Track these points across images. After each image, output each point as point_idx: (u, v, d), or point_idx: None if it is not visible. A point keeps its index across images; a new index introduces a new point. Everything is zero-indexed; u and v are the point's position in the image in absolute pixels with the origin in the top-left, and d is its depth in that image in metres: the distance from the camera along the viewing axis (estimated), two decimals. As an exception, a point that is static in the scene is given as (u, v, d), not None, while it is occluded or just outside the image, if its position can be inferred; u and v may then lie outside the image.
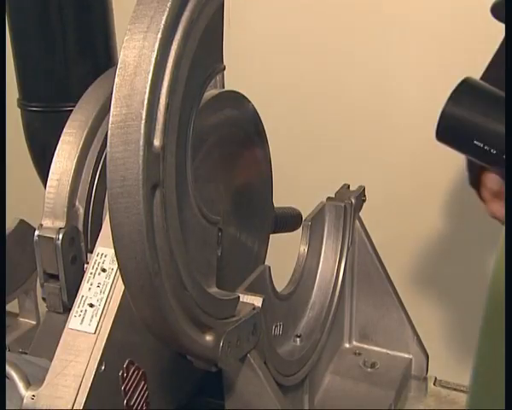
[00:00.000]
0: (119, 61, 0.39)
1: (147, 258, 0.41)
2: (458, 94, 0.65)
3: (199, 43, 0.43)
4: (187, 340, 0.47)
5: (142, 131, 0.39)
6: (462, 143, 0.66)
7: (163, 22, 0.39)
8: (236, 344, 0.52)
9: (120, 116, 0.39)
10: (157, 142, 0.40)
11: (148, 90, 0.39)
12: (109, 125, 0.39)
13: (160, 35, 0.39)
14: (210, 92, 0.65)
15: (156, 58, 0.39)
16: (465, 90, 0.66)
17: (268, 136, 0.72)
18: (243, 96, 0.69)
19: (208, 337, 0.49)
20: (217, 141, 0.65)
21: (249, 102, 0.69)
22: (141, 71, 0.39)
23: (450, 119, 0.65)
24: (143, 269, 0.41)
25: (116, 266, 0.54)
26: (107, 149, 0.40)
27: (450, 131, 0.66)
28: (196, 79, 0.44)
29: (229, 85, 0.72)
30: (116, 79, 0.39)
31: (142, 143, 0.39)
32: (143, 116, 0.39)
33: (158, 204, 0.41)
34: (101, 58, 0.75)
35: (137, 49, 0.39)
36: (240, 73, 1.16)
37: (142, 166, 0.39)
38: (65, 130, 0.62)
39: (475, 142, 0.64)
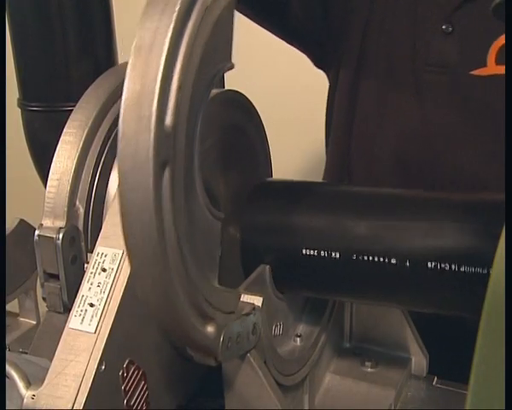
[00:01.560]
0: (135, 40, 0.40)
1: (154, 236, 0.41)
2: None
3: (210, 34, 0.43)
4: (189, 327, 0.47)
5: (155, 108, 0.39)
6: None
7: (178, 6, 0.40)
8: (236, 341, 0.52)
9: (134, 93, 0.39)
10: (169, 121, 0.40)
11: (162, 68, 0.39)
12: (122, 102, 0.40)
13: (174, 18, 0.39)
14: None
15: (171, 38, 0.39)
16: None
17: (268, 135, 0.72)
18: (243, 96, 0.70)
19: (210, 329, 0.49)
20: (216, 141, 0.65)
21: (249, 101, 0.69)
22: (156, 49, 0.39)
23: None
24: (150, 250, 0.41)
25: (116, 265, 0.54)
26: (120, 124, 0.40)
27: None
28: (205, 74, 0.45)
29: (229, 85, 0.72)
30: (131, 58, 0.40)
31: (154, 119, 0.39)
32: (156, 93, 0.39)
33: (167, 182, 0.41)
34: (101, 58, 0.75)
35: (153, 29, 0.39)
36: (240, 73, 1.16)
37: (153, 142, 0.39)
38: (65, 130, 0.62)
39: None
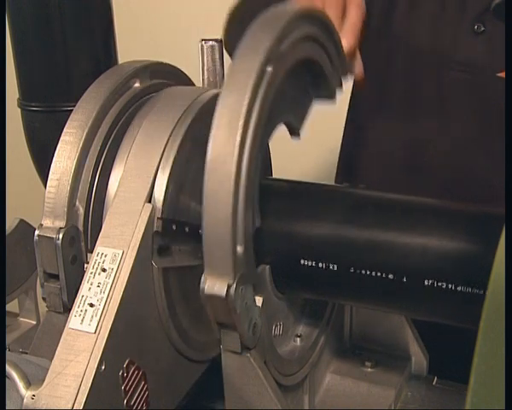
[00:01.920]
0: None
1: (242, 114, 0.49)
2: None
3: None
4: (232, 228, 0.50)
5: (278, 32, 0.52)
6: None
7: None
8: (246, 303, 0.53)
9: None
10: (283, 48, 0.53)
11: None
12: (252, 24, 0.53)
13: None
14: (210, 92, 0.65)
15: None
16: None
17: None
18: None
19: (240, 249, 0.51)
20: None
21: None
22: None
23: None
24: (233, 131, 0.50)
25: (116, 265, 0.54)
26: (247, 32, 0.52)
27: None
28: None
29: (230, 85, 0.72)
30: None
31: (275, 37, 0.51)
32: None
33: (266, 80, 0.51)
34: (101, 58, 0.75)
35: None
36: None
37: (271, 42, 0.51)
38: (65, 130, 0.62)
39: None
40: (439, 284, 0.53)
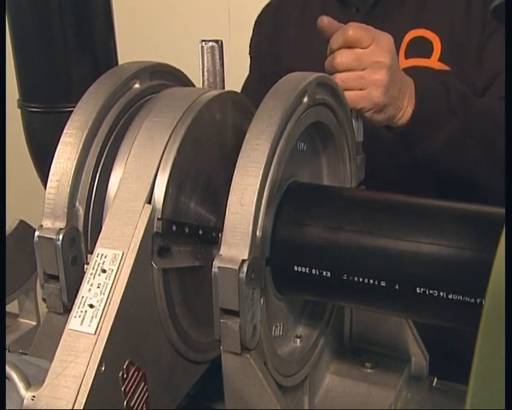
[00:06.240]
0: None
1: (277, 132, 0.58)
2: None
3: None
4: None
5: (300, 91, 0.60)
6: None
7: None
8: (252, 293, 0.54)
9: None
10: (306, 100, 0.62)
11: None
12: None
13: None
14: (210, 93, 0.65)
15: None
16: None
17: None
18: (243, 97, 0.70)
19: (259, 234, 0.54)
20: (216, 141, 0.65)
21: (249, 102, 0.69)
22: None
23: None
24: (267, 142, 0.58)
25: (116, 266, 0.54)
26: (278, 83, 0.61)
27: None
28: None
29: (229, 86, 0.72)
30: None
31: (297, 94, 0.59)
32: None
33: (298, 113, 0.61)
34: (101, 58, 0.75)
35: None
36: (240, 73, 1.16)
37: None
38: (65, 130, 0.62)
39: None
40: (431, 291, 0.54)
